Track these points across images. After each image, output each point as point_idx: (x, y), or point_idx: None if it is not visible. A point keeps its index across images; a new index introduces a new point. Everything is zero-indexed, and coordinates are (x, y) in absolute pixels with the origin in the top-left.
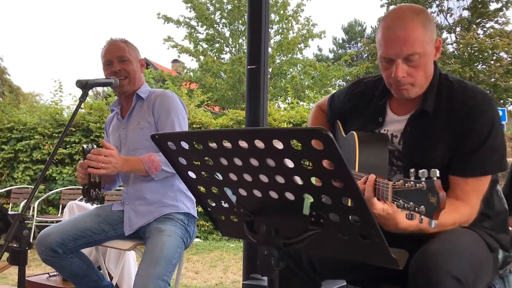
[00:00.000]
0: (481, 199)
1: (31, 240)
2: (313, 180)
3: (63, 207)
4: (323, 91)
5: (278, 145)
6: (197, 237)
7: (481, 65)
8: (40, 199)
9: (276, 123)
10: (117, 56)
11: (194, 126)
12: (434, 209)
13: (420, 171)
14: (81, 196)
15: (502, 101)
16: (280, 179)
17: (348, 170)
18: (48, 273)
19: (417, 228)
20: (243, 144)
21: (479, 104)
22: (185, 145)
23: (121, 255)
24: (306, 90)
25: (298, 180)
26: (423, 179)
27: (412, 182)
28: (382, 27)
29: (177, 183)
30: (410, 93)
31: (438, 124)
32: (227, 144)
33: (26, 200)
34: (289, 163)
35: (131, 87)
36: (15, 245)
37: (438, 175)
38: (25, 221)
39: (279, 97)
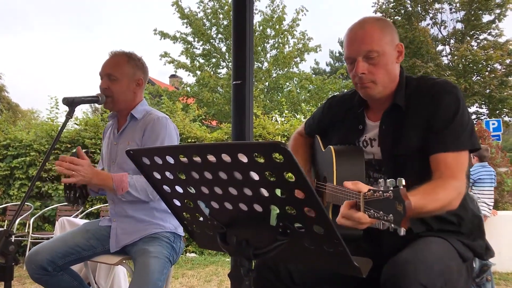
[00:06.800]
0: (465, 175)
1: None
2: (278, 191)
3: None
4: (319, 104)
5: (243, 158)
6: (192, 251)
7: (476, 77)
8: (35, 216)
9: (270, 136)
10: (106, 73)
11: (189, 140)
12: (401, 217)
13: (388, 180)
14: (76, 213)
15: (497, 111)
16: (248, 192)
17: (307, 181)
18: None
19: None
20: (211, 158)
21: (443, 86)
22: (158, 160)
23: (111, 270)
24: (302, 104)
25: (264, 192)
26: (391, 188)
27: (380, 192)
28: (346, 33)
29: (163, 204)
30: (373, 91)
31: (409, 115)
32: (197, 159)
33: (13, 215)
34: (255, 176)
35: (116, 106)
36: (1, 261)
37: (404, 183)
38: (11, 236)
39: (275, 111)
